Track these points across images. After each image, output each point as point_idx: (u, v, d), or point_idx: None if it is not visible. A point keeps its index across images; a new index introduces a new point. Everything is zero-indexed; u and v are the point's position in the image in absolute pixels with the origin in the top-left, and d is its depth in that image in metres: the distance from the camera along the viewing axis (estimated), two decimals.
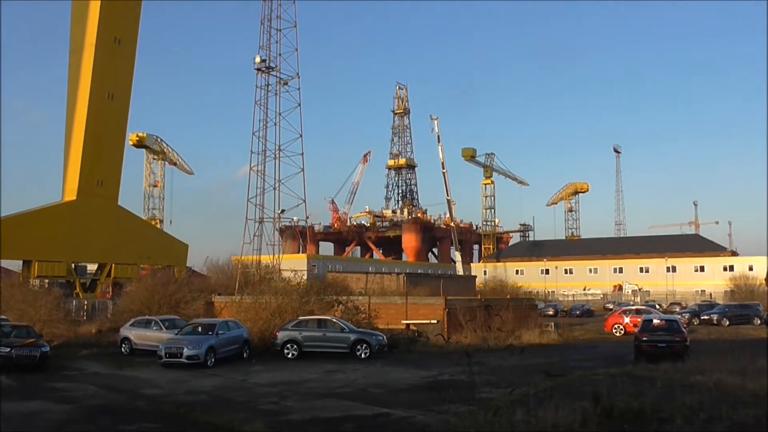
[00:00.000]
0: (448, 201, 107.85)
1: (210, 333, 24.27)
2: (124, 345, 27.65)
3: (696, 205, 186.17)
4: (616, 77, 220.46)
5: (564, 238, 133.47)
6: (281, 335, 26.34)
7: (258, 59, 55.99)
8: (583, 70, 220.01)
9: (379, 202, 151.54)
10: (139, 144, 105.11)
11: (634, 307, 44.43)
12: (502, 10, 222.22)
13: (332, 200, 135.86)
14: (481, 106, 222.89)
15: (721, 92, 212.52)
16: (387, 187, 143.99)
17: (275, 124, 54.89)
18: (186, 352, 22.74)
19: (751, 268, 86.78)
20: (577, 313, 62.21)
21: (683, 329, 25.59)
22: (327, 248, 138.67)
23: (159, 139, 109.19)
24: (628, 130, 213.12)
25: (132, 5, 56.08)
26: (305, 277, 52.21)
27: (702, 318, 48.42)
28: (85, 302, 43.87)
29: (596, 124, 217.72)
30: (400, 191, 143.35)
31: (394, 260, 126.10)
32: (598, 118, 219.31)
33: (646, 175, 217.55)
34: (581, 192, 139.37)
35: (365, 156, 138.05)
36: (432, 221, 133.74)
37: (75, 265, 54.58)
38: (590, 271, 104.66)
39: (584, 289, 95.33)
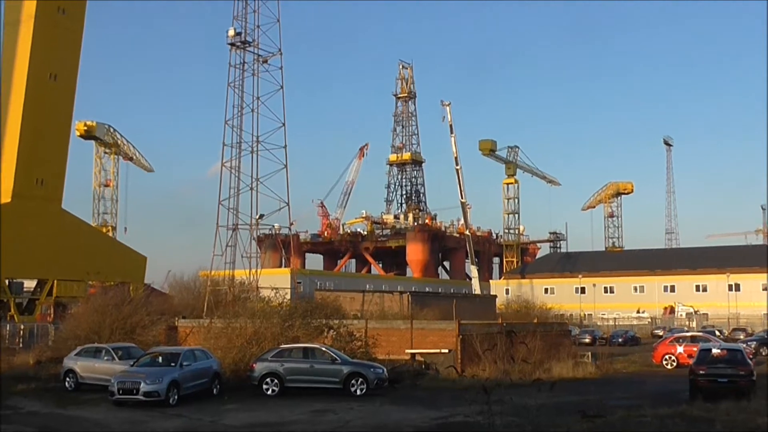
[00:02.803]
0: (463, 204, 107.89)
1: (173, 364, 24.24)
2: (68, 378, 27.60)
3: (764, 209, 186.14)
4: (666, 55, 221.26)
5: (603, 249, 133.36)
6: (259, 367, 26.31)
7: (232, 32, 56.14)
8: (625, 47, 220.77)
9: (379, 206, 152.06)
10: (88, 135, 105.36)
11: (688, 334, 44.35)
12: None
13: (321, 203, 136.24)
14: (502, 90, 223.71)
15: None
16: (388, 187, 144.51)
17: (252, 110, 55.04)
18: (143, 387, 22.71)
19: None
20: (620, 340, 62.07)
21: (749, 361, 25.56)
22: (315, 261, 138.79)
23: (111, 129, 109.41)
24: (681, 118, 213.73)
25: None
26: (288, 297, 52.13)
27: None
28: (21, 326, 43.85)
29: (642, 112, 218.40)
30: (404, 192, 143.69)
31: (397, 276, 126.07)
32: (645, 104, 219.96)
33: (703, 173, 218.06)
34: (624, 193, 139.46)
35: (362, 149, 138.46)
36: (443, 229, 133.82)
37: (9, 282, 54.58)
38: (635, 289, 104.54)
39: (637, 312, 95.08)
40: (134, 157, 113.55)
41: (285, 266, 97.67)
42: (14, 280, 56.31)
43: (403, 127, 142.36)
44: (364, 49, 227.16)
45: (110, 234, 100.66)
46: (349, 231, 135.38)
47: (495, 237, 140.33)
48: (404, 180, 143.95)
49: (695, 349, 30.98)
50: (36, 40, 53.33)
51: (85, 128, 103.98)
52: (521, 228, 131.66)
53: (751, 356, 28.88)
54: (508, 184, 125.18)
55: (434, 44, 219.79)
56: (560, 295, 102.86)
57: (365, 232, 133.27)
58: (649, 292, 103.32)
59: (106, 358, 27.56)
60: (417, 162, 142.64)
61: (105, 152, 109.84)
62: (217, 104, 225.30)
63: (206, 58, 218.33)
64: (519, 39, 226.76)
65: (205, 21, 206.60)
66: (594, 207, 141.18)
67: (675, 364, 38.13)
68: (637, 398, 24.51)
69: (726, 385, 23.11)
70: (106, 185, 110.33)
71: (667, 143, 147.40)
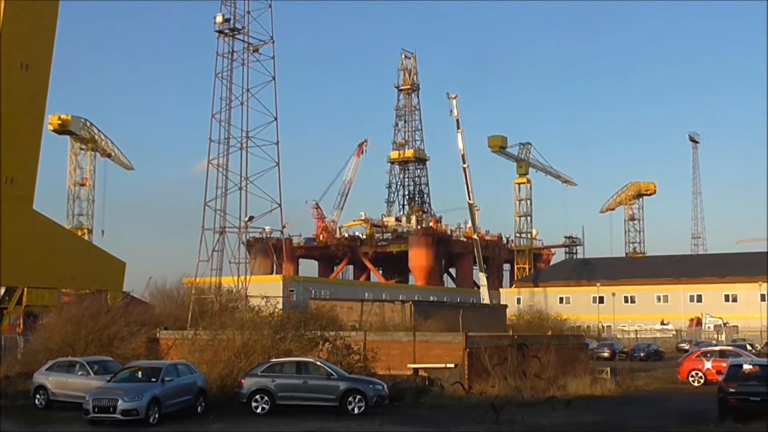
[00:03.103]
0: (470, 206, 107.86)
1: (153, 380, 24.24)
2: (38, 395, 27.53)
3: None
4: (693, 45, 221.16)
5: (623, 255, 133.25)
6: (248, 383, 26.30)
7: (219, 18, 56.14)
8: (647, 37, 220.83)
9: (379, 207, 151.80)
10: (62, 129, 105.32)
11: (717, 348, 44.35)
12: None
13: (317, 204, 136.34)
14: (513, 82, 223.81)
15: None
16: (389, 187, 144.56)
17: (242, 103, 55.05)
18: (121, 405, 22.67)
19: None
20: (642, 354, 62.21)
21: None
22: (310, 267, 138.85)
23: (88, 123, 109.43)
24: (708, 112, 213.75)
25: None
26: (280, 306, 52.20)
27: None
28: None
29: (666, 106, 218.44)
30: (407, 192, 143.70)
31: (398, 284, 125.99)
32: (669, 98, 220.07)
33: (732, 172, 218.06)
34: (646, 194, 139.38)
35: (360, 146, 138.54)
36: (448, 232, 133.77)
37: None
38: (658, 299, 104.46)
39: (661, 323, 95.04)
40: (113, 154, 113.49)
41: (276, 273, 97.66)
42: None
43: (405, 121, 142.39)
44: (363, 38, 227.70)
45: (86, 237, 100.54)
46: (346, 234, 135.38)
47: (505, 241, 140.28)
48: (407, 179, 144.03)
49: (724, 364, 30.95)
50: (6, 26, 53.20)
51: (59, 122, 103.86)
52: (534, 232, 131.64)
53: None
54: (519, 183, 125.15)
55: (439, 34, 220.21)
56: (576, 305, 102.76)
57: (364, 236, 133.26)
58: (673, 302, 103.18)
59: (80, 373, 27.48)
60: (420, 160, 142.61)
61: (81, 148, 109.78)
62: (203, 97, 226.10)
63: (192, 46, 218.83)
64: (530, 29, 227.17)
65: (191, 6, 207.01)
66: (613, 209, 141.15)
67: (702, 381, 38.16)
68: (661, 418, 24.48)
69: (758, 405, 23.03)
70: (82, 184, 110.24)
71: (693, 140, 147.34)
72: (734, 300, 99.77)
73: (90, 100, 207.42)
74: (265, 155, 55.23)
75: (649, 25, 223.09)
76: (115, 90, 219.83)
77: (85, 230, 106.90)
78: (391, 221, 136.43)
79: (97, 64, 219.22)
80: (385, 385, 27.10)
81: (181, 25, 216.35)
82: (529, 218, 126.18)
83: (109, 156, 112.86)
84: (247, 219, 56.28)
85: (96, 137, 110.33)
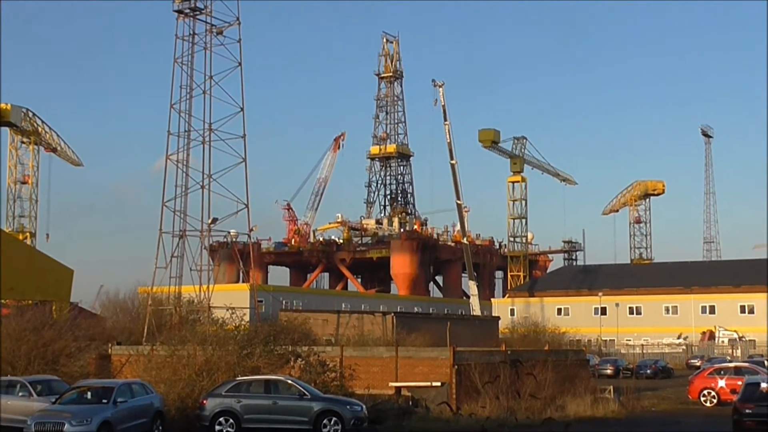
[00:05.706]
0: (459, 206, 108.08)
1: (104, 401, 24.20)
2: None
3: None
4: (704, 24, 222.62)
5: (628, 261, 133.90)
6: (211, 404, 26.33)
7: None
8: (652, 18, 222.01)
9: (358, 209, 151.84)
10: (1, 120, 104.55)
11: (732, 365, 44.76)
12: None
13: (288, 205, 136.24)
14: (506, 70, 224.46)
15: None
16: (369, 186, 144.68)
17: (204, 92, 54.85)
18: (68, 429, 22.59)
19: None
20: (648, 372, 62.78)
21: None
22: (280, 275, 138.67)
23: (30, 114, 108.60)
24: (722, 103, 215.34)
25: None
26: (247, 318, 52.01)
27: None
28: None
29: (675, 95, 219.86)
30: (388, 192, 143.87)
31: (379, 293, 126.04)
32: (678, 87, 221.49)
33: (750, 169, 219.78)
34: (653, 194, 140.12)
35: (336, 140, 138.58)
36: (435, 236, 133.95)
37: None
38: (667, 310, 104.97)
39: (678, 337, 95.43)
40: (59, 148, 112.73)
41: (243, 281, 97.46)
42: None
43: (387, 113, 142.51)
44: (339, 20, 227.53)
45: (28, 242, 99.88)
46: (321, 239, 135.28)
47: (498, 246, 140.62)
48: (388, 177, 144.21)
49: (740, 382, 31.25)
50: None
51: None
52: (529, 236, 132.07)
53: None
54: (513, 182, 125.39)
55: (425, 13, 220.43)
56: (576, 317, 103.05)
57: (341, 240, 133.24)
58: (683, 313, 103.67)
59: (21, 394, 27.29)
60: (404, 155, 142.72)
61: (22, 142, 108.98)
62: (161, 84, 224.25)
63: (148, 27, 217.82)
64: (526, 11, 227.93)
65: None
66: (617, 211, 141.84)
67: (715, 401, 38.45)
68: None
69: None
70: (24, 182, 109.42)
71: (705, 134, 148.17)
72: (750, 311, 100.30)
73: (33, 88, 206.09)
74: (230, 150, 55.16)
75: (656, 7, 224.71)
76: (60, 76, 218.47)
77: (28, 234, 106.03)
78: (370, 224, 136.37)
79: (40, 47, 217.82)
80: (364, 406, 27.22)
81: (135, 3, 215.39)
82: (524, 221, 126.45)
83: (54, 150, 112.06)
84: (210, 221, 56.11)
85: (39, 129, 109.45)
